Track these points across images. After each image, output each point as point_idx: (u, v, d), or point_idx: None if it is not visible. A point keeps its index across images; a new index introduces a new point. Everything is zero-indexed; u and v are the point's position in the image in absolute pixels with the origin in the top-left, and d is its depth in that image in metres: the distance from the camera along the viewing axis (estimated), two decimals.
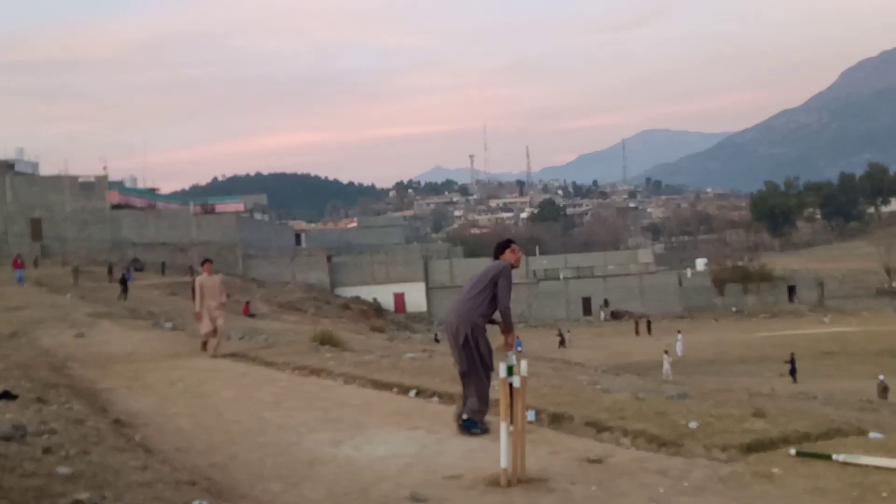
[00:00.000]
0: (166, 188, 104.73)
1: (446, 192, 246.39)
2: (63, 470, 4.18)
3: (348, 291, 65.12)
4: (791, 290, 71.60)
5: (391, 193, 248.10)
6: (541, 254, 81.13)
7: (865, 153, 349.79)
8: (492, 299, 6.17)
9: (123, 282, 32.11)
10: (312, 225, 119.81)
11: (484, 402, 6.24)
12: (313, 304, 51.62)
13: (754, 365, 36.15)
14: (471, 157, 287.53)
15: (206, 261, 13.46)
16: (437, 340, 41.60)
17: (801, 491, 4.38)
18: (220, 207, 73.27)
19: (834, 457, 4.82)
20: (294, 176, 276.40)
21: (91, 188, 61.44)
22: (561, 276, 71.27)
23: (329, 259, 69.54)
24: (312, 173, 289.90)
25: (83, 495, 3.68)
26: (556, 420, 6.48)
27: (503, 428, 4.81)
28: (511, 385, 4.94)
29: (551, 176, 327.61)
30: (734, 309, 68.10)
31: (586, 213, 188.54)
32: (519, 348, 28.23)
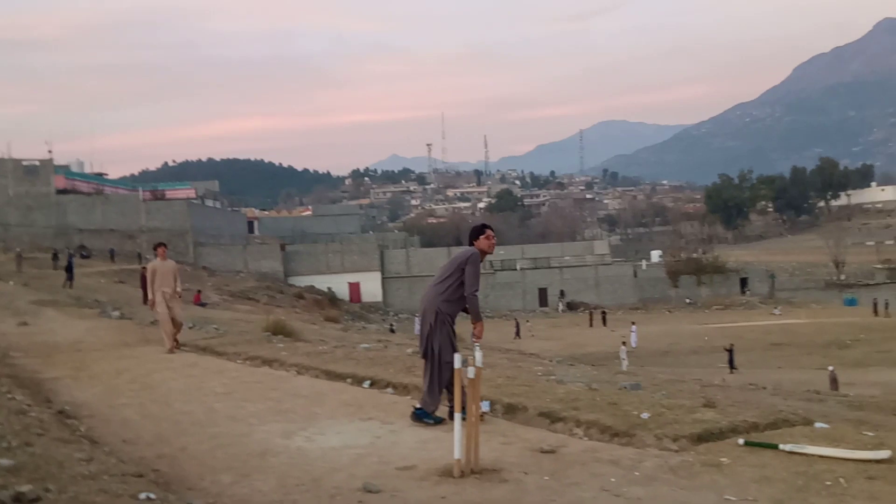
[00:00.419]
0: (115, 173, 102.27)
1: (403, 181, 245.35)
2: (4, 462, 4.05)
3: (302, 281, 64.43)
4: (743, 283, 73.04)
5: (347, 181, 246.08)
6: (498, 244, 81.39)
7: (816, 147, 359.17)
8: (459, 285, 6.13)
9: (69, 269, 31.33)
10: (266, 212, 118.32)
11: (433, 395, 6.18)
12: (266, 294, 51.03)
13: (706, 356, 36.85)
14: (428, 145, 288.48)
15: (159, 244, 12.75)
16: (392, 331, 41.57)
17: (749, 480, 4.46)
18: (170, 193, 71.88)
19: (781, 446, 4.93)
20: (247, 162, 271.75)
21: (35, 172, 59.96)
22: (518, 267, 71.73)
23: (283, 247, 68.86)
24: (266, 160, 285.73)
25: (25, 488, 3.57)
26: (510, 411, 6.51)
27: (457, 418, 4.80)
28: (465, 375, 4.93)
29: (509, 166, 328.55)
30: (688, 300, 69.34)
31: (543, 204, 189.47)
32: None
